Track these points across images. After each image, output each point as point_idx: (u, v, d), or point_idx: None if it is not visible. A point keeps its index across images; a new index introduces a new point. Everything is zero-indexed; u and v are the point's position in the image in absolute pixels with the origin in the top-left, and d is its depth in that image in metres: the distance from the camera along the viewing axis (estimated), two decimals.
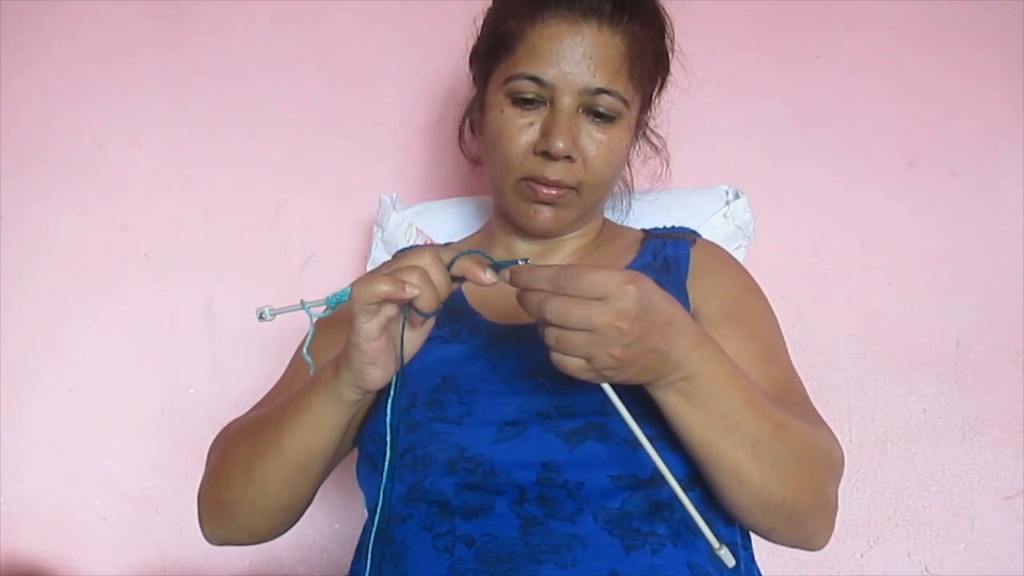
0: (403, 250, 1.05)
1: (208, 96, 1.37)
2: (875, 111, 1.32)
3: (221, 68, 1.38)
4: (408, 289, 0.63)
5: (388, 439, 0.70)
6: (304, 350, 0.71)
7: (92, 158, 1.36)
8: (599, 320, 0.58)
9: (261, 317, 0.66)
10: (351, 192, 1.33)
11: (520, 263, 0.64)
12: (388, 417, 0.70)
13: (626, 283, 0.58)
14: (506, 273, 0.63)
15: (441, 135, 1.32)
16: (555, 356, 0.61)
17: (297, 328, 0.94)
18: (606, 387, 0.62)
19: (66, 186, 1.36)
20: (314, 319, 0.68)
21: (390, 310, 0.65)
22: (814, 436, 0.71)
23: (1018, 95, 1.31)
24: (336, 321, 0.95)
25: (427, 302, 0.64)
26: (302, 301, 0.67)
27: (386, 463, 0.70)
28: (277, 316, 0.66)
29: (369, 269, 0.70)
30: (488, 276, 0.64)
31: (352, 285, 0.64)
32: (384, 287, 0.62)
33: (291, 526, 0.83)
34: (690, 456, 0.68)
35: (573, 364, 0.60)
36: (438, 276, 0.65)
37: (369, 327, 0.64)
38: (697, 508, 0.71)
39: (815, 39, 1.34)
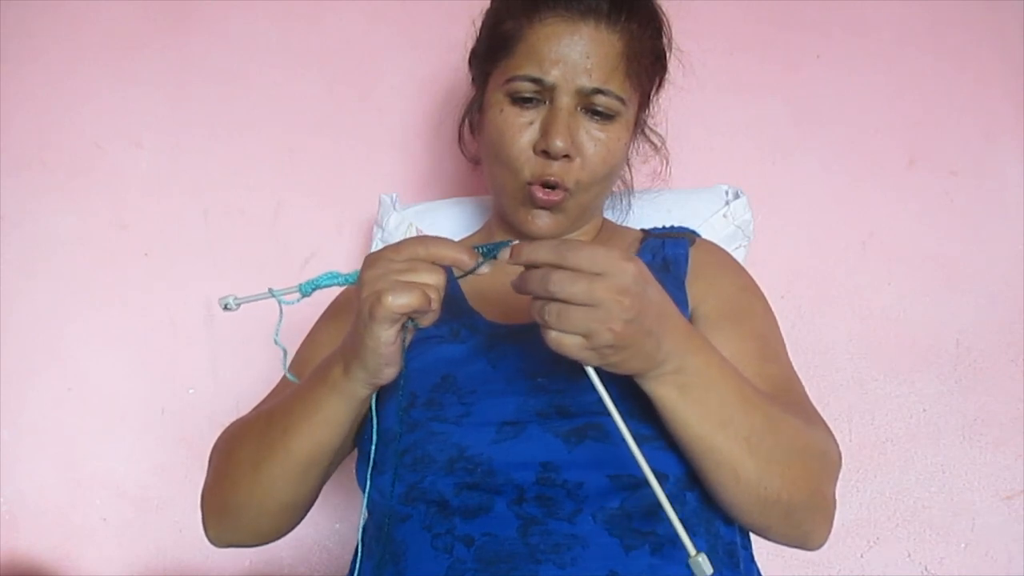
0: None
1: (208, 96, 1.37)
2: (875, 111, 1.32)
3: (221, 68, 1.38)
4: (432, 304, 0.64)
5: (374, 426, 0.73)
6: (274, 337, 0.70)
7: (92, 158, 1.36)
8: (601, 293, 0.57)
9: (226, 307, 0.65)
10: (351, 192, 1.33)
11: (508, 244, 0.63)
12: (372, 404, 0.73)
13: (625, 261, 0.59)
14: (506, 252, 0.63)
15: (441, 135, 1.32)
16: (553, 335, 0.60)
17: (299, 328, 0.94)
18: (590, 371, 0.61)
19: (66, 186, 1.36)
20: (283, 307, 0.67)
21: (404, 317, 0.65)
22: (808, 433, 0.71)
23: (1018, 95, 1.31)
24: (335, 314, 0.95)
25: (429, 320, 0.66)
26: (270, 289, 0.66)
27: (371, 450, 0.73)
28: (242, 305, 0.65)
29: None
30: (470, 259, 0.64)
31: (379, 293, 0.63)
32: (412, 300, 0.62)
33: (295, 526, 0.83)
34: (686, 455, 0.68)
35: (570, 341, 0.59)
36: (443, 295, 0.66)
37: (389, 333, 0.65)
38: (696, 508, 0.72)
39: (815, 39, 1.34)
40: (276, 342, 0.70)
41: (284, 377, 0.90)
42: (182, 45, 1.38)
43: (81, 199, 1.35)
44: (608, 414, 0.61)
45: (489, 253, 0.65)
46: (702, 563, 0.59)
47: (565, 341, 0.60)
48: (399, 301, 0.62)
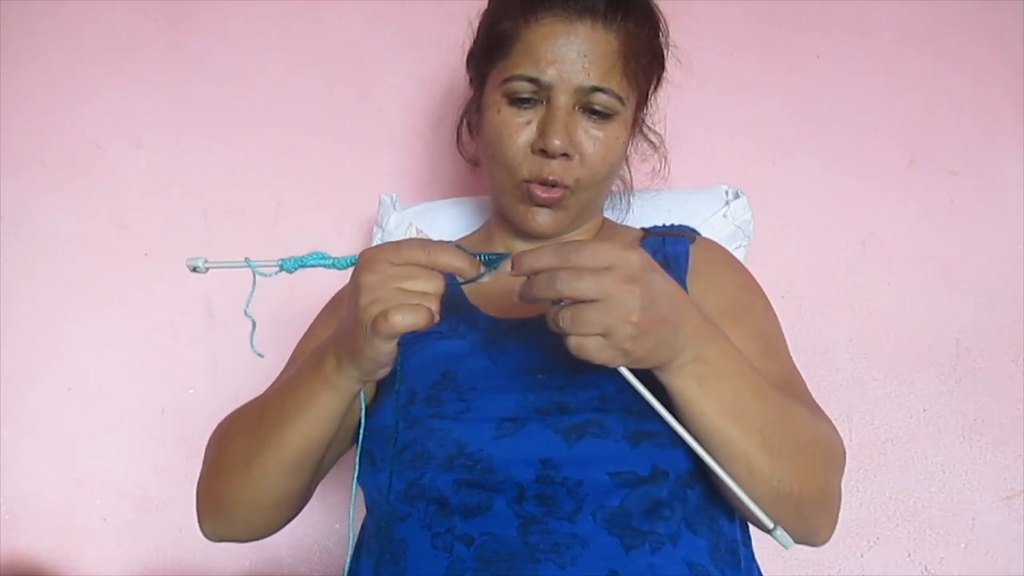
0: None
1: (208, 96, 1.37)
2: (875, 111, 1.32)
3: (221, 68, 1.38)
4: (434, 318, 0.63)
5: (362, 421, 0.74)
6: (245, 308, 0.69)
7: (92, 158, 1.36)
8: (610, 286, 0.57)
9: (195, 269, 0.64)
10: (351, 192, 1.33)
11: (508, 257, 0.63)
12: (362, 400, 0.74)
13: (627, 251, 0.58)
14: (507, 265, 0.62)
15: (441, 135, 1.32)
16: (574, 341, 0.59)
17: (300, 326, 0.94)
18: (623, 370, 0.60)
19: (66, 186, 1.36)
20: (258, 279, 0.66)
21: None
22: (816, 425, 0.71)
23: (1018, 95, 1.31)
24: (336, 307, 0.95)
25: (427, 328, 0.65)
26: (247, 258, 0.65)
27: (359, 442, 0.74)
28: (211, 270, 0.64)
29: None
30: (471, 268, 0.63)
31: (384, 309, 0.62)
32: (418, 320, 0.62)
33: (288, 522, 0.83)
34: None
35: (592, 344, 0.58)
36: (442, 300, 0.65)
37: (390, 346, 0.65)
38: (698, 505, 0.72)
39: (815, 39, 1.34)
40: (246, 313, 0.68)
41: (286, 365, 0.90)
42: (182, 45, 1.39)
43: (81, 199, 1.35)
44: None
45: (490, 264, 0.64)
46: (780, 536, 0.59)
47: (586, 344, 0.59)
48: (405, 321, 0.61)
